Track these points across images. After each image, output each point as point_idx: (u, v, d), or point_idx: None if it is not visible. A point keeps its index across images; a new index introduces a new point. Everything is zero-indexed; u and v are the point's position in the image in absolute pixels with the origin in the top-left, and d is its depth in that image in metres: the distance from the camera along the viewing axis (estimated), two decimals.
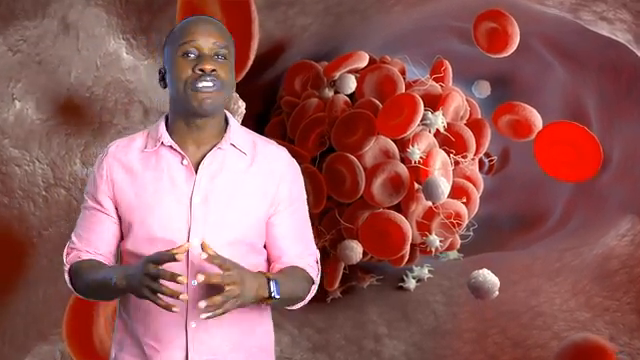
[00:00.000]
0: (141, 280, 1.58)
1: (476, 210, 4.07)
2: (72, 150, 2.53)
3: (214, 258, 1.61)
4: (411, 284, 4.21)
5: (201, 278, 1.57)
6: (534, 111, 3.69)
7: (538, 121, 3.63)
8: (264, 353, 1.88)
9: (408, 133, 3.72)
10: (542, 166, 3.84)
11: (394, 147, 3.89)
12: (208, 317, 1.59)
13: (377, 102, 3.94)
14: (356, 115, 3.87)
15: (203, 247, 1.61)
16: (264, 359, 1.89)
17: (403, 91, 3.97)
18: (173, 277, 1.57)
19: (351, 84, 4.02)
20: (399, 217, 3.78)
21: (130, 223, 1.77)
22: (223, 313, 1.60)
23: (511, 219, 5.71)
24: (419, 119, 3.68)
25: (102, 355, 2.56)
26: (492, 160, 4.56)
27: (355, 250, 3.79)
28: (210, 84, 1.69)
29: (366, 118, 3.83)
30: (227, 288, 1.58)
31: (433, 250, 3.90)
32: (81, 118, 2.61)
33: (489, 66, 5.29)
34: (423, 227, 3.91)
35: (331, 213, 3.97)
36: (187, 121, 1.76)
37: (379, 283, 4.32)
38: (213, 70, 1.70)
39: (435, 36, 5.36)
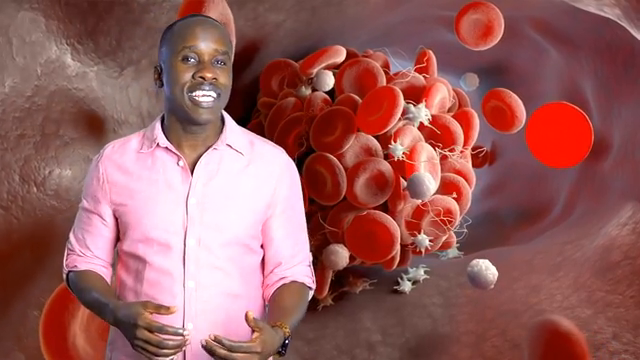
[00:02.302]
0: (134, 342, 1.58)
1: (468, 205, 3.87)
2: (10, 166, 2.36)
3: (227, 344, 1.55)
4: (406, 287, 3.99)
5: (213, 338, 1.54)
6: (519, 101, 3.57)
7: (521, 113, 3.51)
8: None
9: (389, 128, 3.53)
10: (537, 156, 3.68)
11: (376, 144, 3.69)
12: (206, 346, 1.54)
13: (357, 98, 3.75)
14: (334, 113, 3.68)
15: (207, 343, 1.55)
16: None
17: (384, 85, 3.78)
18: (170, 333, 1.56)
19: (329, 81, 3.83)
20: (386, 217, 3.59)
21: (127, 224, 1.77)
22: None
23: (514, 213, 5.51)
24: (399, 113, 3.49)
25: (72, 352, 2.47)
26: (482, 152, 4.38)
27: (341, 255, 3.59)
28: (210, 95, 1.69)
29: (344, 115, 3.64)
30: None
31: (423, 250, 3.70)
32: (19, 131, 2.44)
33: (483, 55, 5.10)
34: (413, 226, 3.72)
35: (314, 217, 3.78)
36: (183, 124, 1.75)
37: (372, 287, 4.11)
38: (214, 78, 1.69)
39: (423, 27, 5.19)
